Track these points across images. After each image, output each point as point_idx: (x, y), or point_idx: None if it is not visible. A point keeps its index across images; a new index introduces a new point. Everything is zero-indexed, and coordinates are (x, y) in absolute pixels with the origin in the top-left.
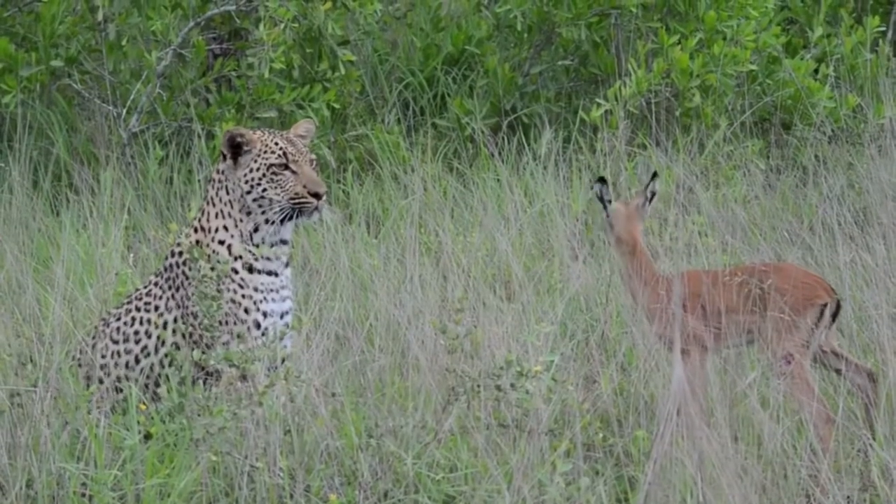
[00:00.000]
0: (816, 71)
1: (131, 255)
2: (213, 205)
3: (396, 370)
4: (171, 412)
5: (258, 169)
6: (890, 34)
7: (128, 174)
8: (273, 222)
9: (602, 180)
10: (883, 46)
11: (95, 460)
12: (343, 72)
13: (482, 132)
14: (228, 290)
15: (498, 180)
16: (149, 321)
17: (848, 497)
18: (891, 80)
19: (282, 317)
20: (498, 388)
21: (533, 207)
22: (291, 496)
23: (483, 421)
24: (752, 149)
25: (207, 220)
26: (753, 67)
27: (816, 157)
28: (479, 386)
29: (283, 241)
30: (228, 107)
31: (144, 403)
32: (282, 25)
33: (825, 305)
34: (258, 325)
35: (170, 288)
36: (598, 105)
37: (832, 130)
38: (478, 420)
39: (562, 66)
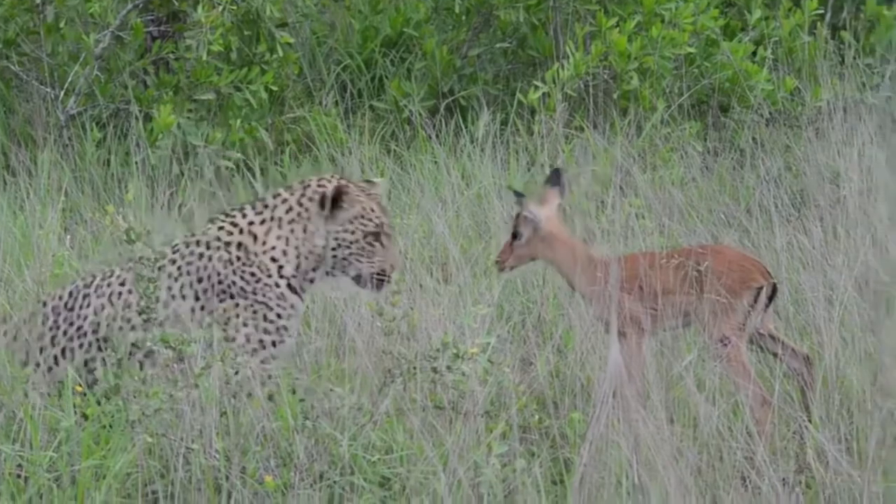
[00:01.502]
0: (754, 53)
1: (68, 236)
2: (280, 226)
3: (333, 352)
4: (106, 393)
5: (353, 232)
6: (828, 17)
7: (65, 156)
8: (333, 276)
9: (519, 194)
10: (821, 29)
11: (31, 442)
12: (281, 54)
13: (420, 114)
14: (271, 308)
15: (435, 162)
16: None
17: (783, 479)
18: (828, 62)
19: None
20: (434, 370)
21: (470, 189)
22: (227, 478)
23: (419, 403)
24: (690, 131)
25: (266, 234)
26: (691, 50)
27: (754, 139)
28: (415, 368)
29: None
30: (166, 89)
31: (80, 385)
32: (220, 7)
33: (761, 288)
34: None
35: (187, 274)
36: (536, 87)
37: (770, 113)
38: (414, 402)
39: (500, 49)
